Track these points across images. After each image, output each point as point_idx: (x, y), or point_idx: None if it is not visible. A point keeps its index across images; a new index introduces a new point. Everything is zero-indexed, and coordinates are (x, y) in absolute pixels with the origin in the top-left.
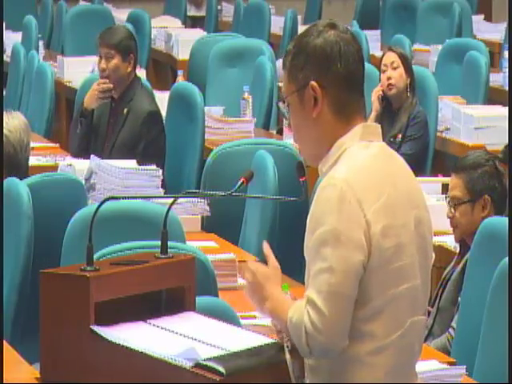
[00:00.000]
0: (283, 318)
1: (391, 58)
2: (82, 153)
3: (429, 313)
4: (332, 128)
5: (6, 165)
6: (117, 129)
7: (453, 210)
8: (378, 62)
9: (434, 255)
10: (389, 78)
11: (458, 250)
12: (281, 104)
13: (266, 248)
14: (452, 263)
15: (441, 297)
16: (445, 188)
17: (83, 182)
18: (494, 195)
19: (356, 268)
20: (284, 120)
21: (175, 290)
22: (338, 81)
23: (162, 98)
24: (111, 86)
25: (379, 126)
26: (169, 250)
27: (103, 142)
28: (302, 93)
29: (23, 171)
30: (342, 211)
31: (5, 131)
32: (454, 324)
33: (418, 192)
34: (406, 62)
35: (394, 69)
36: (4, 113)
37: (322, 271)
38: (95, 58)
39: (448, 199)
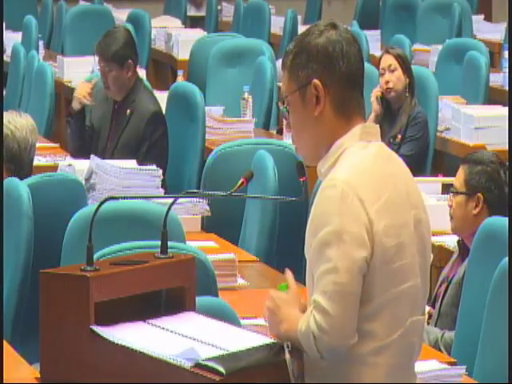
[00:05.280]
0: (297, 336)
1: (388, 60)
2: (78, 153)
3: (430, 315)
4: (332, 127)
5: (8, 159)
6: (119, 129)
7: (452, 199)
8: (377, 62)
9: (432, 256)
10: (387, 82)
11: (456, 250)
12: (280, 104)
13: (288, 274)
14: (450, 264)
15: (442, 300)
16: (445, 188)
17: (83, 181)
18: (488, 197)
19: (359, 264)
20: (284, 120)
21: (175, 290)
22: (340, 80)
23: (162, 98)
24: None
25: (378, 126)
26: (169, 250)
27: (105, 142)
28: (303, 91)
29: (26, 172)
30: (344, 210)
31: (11, 127)
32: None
33: (416, 192)
34: (404, 62)
35: (392, 71)
36: (13, 112)
37: (327, 272)
38: (95, 58)
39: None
